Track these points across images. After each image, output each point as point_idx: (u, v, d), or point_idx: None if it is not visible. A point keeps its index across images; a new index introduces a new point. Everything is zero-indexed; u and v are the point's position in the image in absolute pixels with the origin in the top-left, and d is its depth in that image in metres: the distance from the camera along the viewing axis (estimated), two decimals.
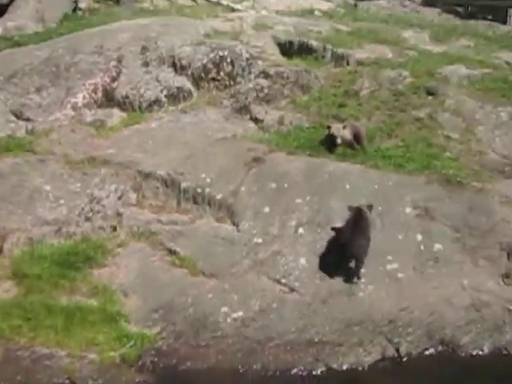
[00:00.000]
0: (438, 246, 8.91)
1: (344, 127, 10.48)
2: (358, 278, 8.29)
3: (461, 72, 13.35)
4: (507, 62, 14.89)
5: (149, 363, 7.10)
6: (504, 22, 34.16)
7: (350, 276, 8.35)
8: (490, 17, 37.36)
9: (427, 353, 7.53)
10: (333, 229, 8.89)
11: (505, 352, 7.61)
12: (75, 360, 7.00)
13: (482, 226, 9.19)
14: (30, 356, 7.03)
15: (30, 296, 7.84)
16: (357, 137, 10.53)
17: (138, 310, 7.84)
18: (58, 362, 6.99)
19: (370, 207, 8.63)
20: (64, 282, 8.08)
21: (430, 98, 12.22)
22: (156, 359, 7.14)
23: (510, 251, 9.00)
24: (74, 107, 11.94)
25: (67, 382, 6.80)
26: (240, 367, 7.13)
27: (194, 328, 7.57)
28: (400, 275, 8.47)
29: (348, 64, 13.70)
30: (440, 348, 7.59)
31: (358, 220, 8.35)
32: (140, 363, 7.08)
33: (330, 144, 10.48)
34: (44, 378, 6.81)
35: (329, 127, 10.45)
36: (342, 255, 8.41)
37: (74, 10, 18.63)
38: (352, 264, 8.32)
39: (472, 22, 24.51)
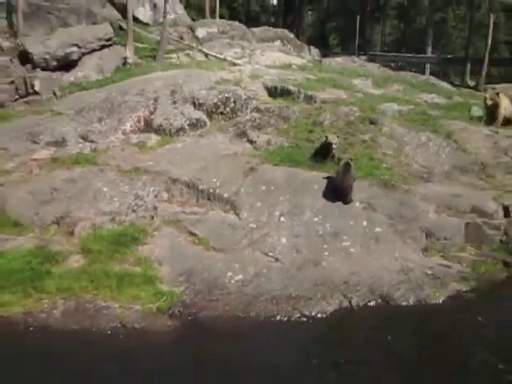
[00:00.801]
0: (377, 229, 8.93)
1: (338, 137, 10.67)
2: (351, 201, 9.23)
3: (393, 108, 13.41)
4: (425, 101, 15.06)
5: (177, 312, 7.10)
6: (423, 73, 34.41)
7: (346, 203, 9.18)
8: (413, 69, 37.60)
9: (370, 304, 7.53)
10: (329, 177, 9.72)
11: (423, 303, 7.60)
12: (125, 310, 7.03)
13: (408, 215, 9.22)
14: (94, 307, 7.06)
15: (93, 265, 7.85)
16: None
17: (168, 274, 7.83)
18: (113, 311, 7.01)
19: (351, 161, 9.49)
20: (117, 255, 8.10)
21: (372, 126, 12.22)
22: (182, 309, 7.15)
23: (428, 233, 9.04)
24: (124, 132, 11.96)
25: (119, 325, 6.79)
26: (240, 314, 7.13)
27: (208, 287, 7.57)
28: (351, 250, 8.49)
29: (315, 102, 13.64)
30: (379, 300, 7.58)
31: (348, 168, 9.09)
32: (170, 312, 7.09)
33: (326, 151, 10.51)
34: (103, 322, 6.81)
35: (326, 137, 10.44)
36: (338, 191, 9.21)
37: (124, 63, 18.56)
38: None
39: (401, 73, 24.60)
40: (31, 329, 6.65)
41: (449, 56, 48.73)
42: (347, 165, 9.22)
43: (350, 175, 9.21)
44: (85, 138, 11.69)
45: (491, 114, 12.83)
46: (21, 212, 9.10)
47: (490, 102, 12.66)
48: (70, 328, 6.70)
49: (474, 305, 7.66)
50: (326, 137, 10.46)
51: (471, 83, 35.31)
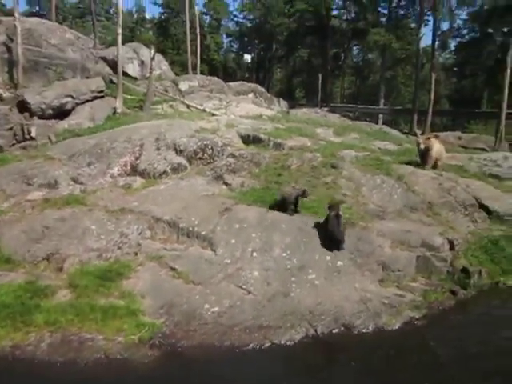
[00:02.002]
0: (339, 263, 8.86)
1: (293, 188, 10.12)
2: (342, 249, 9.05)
3: (351, 154, 13.57)
4: (379, 148, 15.31)
5: (157, 342, 6.87)
6: (376, 122, 35.34)
7: (339, 249, 9.01)
8: (368, 119, 38.62)
9: (334, 331, 7.42)
10: (318, 223, 9.49)
11: (381, 330, 7.55)
12: (108, 342, 6.75)
13: (366, 250, 9.21)
14: (79, 339, 6.76)
15: (79, 299, 7.54)
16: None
17: (150, 306, 7.57)
18: (97, 343, 6.73)
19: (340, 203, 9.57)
20: (103, 289, 7.80)
21: (333, 170, 12.33)
22: (162, 340, 6.92)
23: (383, 265, 9.03)
24: (112, 176, 11.76)
25: (103, 356, 6.52)
26: (216, 343, 6.94)
27: (186, 318, 7.35)
28: (316, 282, 8.38)
29: (283, 149, 13.72)
30: (342, 328, 7.48)
31: (339, 220, 8.98)
32: (151, 342, 6.85)
33: (283, 205, 10.00)
34: (88, 353, 6.54)
35: (283, 193, 9.97)
36: (330, 238, 9.04)
37: (114, 113, 18.53)
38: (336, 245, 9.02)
39: (358, 123, 25.12)
40: (18, 361, 6.32)
41: (398, 107, 50.40)
42: (338, 216, 9.01)
43: (342, 225, 9.10)
44: (75, 181, 11.46)
45: (423, 157, 12.94)
46: (13, 249, 8.78)
47: (422, 147, 12.68)
48: (56, 360, 6.39)
49: (425, 330, 7.66)
50: (283, 193, 10.04)
51: (418, 131, 36.36)
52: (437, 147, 12.93)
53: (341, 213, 9.08)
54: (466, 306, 8.56)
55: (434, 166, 13.01)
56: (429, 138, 12.94)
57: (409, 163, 13.21)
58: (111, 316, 7.20)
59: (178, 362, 6.63)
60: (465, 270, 9.20)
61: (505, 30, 38.14)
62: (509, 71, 25.64)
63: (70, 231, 9.19)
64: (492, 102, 52.15)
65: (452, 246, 9.69)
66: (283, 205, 9.92)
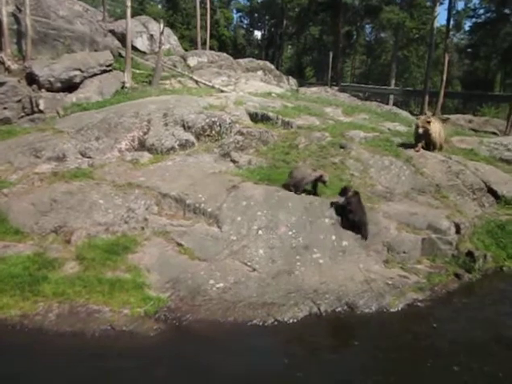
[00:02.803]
0: (344, 243, 8.89)
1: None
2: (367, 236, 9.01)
3: (360, 135, 13.44)
4: (389, 129, 15.10)
5: (162, 316, 6.93)
6: (387, 103, 34.92)
7: (365, 237, 8.99)
8: (378, 99, 38.15)
9: (337, 310, 7.46)
10: (335, 203, 9.47)
11: (384, 310, 7.58)
12: (115, 314, 6.82)
13: (372, 230, 9.20)
14: (86, 311, 6.84)
15: (87, 271, 7.62)
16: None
17: (156, 281, 7.64)
18: (104, 314, 6.80)
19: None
20: (109, 263, 7.86)
21: (341, 150, 12.24)
22: (167, 313, 6.98)
23: (389, 246, 9.04)
24: (119, 150, 11.73)
25: (109, 327, 6.60)
26: (220, 319, 7.00)
27: (191, 293, 7.41)
28: (321, 261, 8.42)
29: (292, 127, 13.61)
30: (345, 308, 7.52)
31: (359, 199, 9.08)
32: (157, 316, 6.92)
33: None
34: (94, 325, 6.61)
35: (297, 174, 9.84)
36: (352, 221, 9.07)
37: (122, 87, 18.44)
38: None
39: (367, 103, 24.81)
40: (26, 330, 6.43)
41: (410, 88, 49.73)
42: (357, 194, 9.15)
43: (362, 205, 9.14)
44: (83, 155, 11.46)
45: (425, 140, 12.48)
46: (22, 221, 8.86)
47: (421, 130, 12.17)
48: (64, 330, 6.49)
49: (428, 312, 7.69)
50: (297, 174, 9.86)
51: (429, 113, 35.95)
52: (437, 129, 12.50)
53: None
54: (470, 289, 8.57)
55: (440, 148, 12.86)
56: (428, 121, 12.31)
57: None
58: (118, 289, 7.28)
59: (183, 336, 6.70)
60: (470, 254, 9.19)
61: None
62: None
63: (77, 205, 9.25)
64: (505, 86, 51.32)
65: (458, 230, 9.64)
66: (296, 187, 9.79)
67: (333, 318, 7.30)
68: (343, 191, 9.29)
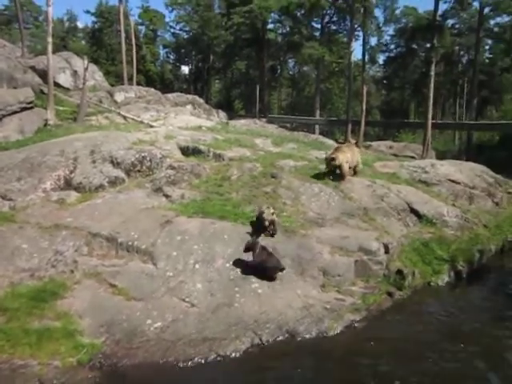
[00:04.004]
0: None
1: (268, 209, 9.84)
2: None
3: (290, 164, 13.85)
4: (316, 157, 15.64)
5: (97, 363, 6.55)
6: (313, 133, 36.44)
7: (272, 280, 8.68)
8: (305, 129, 39.70)
9: (279, 339, 7.45)
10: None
11: (324, 334, 7.69)
12: (44, 367, 6.33)
13: (306, 256, 9.38)
14: (10, 367, 6.29)
15: (10, 323, 7.00)
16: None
17: (89, 326, 7.21)
18: (31, 369, 6.29)
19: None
20: (36, 311, 7.30)
21: (273, 179, 12.48)
22: (102, 360, 6.60)
23: (324, 271, 9.21)
24: (44, 191, 11.09)
25: (38, 382, 6.09)
26: (160, 360, 6.73)
27: (127, 336, 7.08)
28: (260, 291, 8.40)
29: (223, 160, 13.74)
30: (286, 335, 7.53)
31: (264, 247, 8.80)
32: (91, 364, 6.52)
33: (261, 226, 9.79)
34: (20, 381, 6.08)
35: (261, 212, 9.73)
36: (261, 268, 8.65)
37: (45, 125, 17.74)
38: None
39: (295, 133, 25.70)
40: None
41: (333, 118, 52.36)
42: (263, 247, 8.82)
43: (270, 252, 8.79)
44: (3, 197, 10.69)
45: (337, 171, 12.87)
46: None
47: (326, 168, 12.95)
48: None
49: (365, 332, 7.90)
50: (261, 212, 9.78)
51: (352, 141, 37.94)
52: (345, 158, 12.76)
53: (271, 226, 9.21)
54: (402, 305, 8.95)
55: (354, 173, 13.43)
56: (332, 158, 12.69)
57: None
58: (46, 339, 6.77)
59: (120, 383, 6.39)
60: (399, 272, 9.64)
61: (427, 45, 40.82)
62: (432, 85, 27.45)
63: None
64: (419, 113, 55.62)
65: (387, 250, 10.11)
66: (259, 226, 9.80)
67: (275, 347, 7.27)
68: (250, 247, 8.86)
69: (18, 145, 14.50)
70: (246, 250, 8.81)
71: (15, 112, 17.29)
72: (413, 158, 25.78)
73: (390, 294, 9.18)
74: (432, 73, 27.07)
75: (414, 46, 51.51)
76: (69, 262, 8.58)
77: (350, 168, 13.12)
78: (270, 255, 8.73)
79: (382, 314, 8.56)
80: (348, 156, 12.92)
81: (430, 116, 27.77)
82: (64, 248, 8.85)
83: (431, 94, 27.78)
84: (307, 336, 7.58)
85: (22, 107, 17.61)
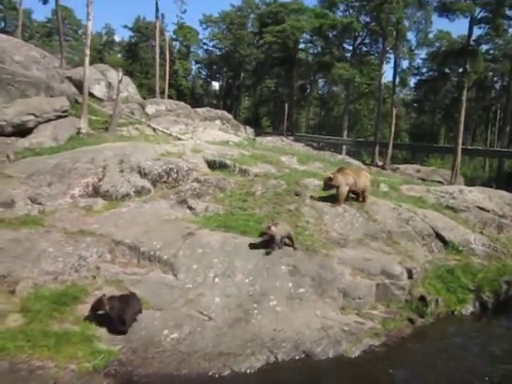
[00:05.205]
0: (301, 290, 8.88)
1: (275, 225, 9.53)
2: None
3: (315, 183, 13.70)
4: None
5: (112, 370, 6.59)
6: (340, 153, 36.30)
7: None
8: (332, 149, 39.62)
9: (295, 358, 7.36)
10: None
11: (342, 357, 7.55)
12: (60, 370, 6.41)
13: (327, 277, 9.25)
14: (28, 367, 6.39)
15: (31, 324, 7.14)
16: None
17: (107, 333, 7.29)
18: (48, 371, 6.37)
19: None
20: (57, 314, 7.45)
21: (296, 197, 12.42)
22: (118, 367, 6.65)
23: (344, 292, 9.08)
24: (72, 196, 11.40)
25: None
26: (174, 372, 6.73)
27: (144, 345, 7.11)
28: (278, 308, 8.34)
29: (248, 175, 13.75)
30: (303, 355, 7.43)
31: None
32: (106, 370, 6.56)
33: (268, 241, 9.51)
34: (36, 383, 6.16)
35: (268, 228, 9.39)
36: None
37: (78, 133, 18.23)
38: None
39: (321, 152, 25.61)
40: None
41: (361, 139, 52.11)
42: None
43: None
44: (33, 201, 11.04)
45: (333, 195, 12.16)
46: None
47: (324, 186, 12.10)
48: None
49: (384, 358, 7.71)
50: (268, 227, 9.46)
51: (379, 163, 37.66)
52: (344, 181, 11.86)
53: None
54: (423, 333, 8.72)
55: (362, 199, 12.43)
56: (330, 178, 11.84)
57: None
58: (64, 342, 6.86)
59: None
60: (422, 299, 9.41)
61: (460, 70, 40.45)
62: (463, 110, 27.05)
63: (24, 253, 8.81)
64: (449, 138, 54.80)
65: (410, 275, 9.90)
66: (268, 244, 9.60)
67: (291, 366, 7.18)
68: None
69: (51, 151, 14.97)
70: None
71: (50, 120, 17.88)
72: (440, 183, 25.32)
73: (411, 321, 8.96)
74: (464, 98, 26.74)
75: (447, 70, 51.06)
76: (91, 267, 8.73)
77: (354, 192, 12.27)
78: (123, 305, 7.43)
79: (402, 341, 8.35)
80: (350, 179, 11.95)
81: (460, 141, 27.34)
82: (88, 254, 9.02)
83: (462, 119, 27.39)
84: (324, 357, 7.46)
85: (57, 115, 18.20)
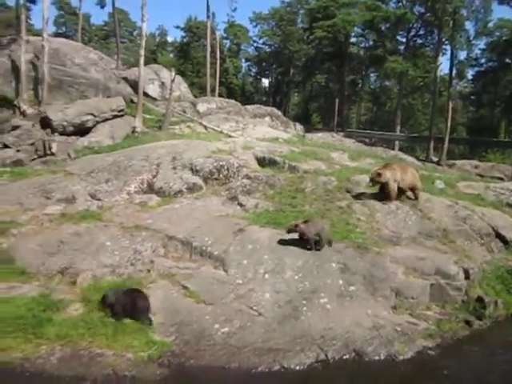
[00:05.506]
0: (352, 288, 8.76)
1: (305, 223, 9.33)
2: None
3: (366, 179, 13.37)
4: None
5: (166, 361, 6.81)
6: (392, 149, 35.30)
7: None
8: (384, 145, 38.60)
9: (344, 357, 7.26)
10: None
11: (394, 358, 7.37)
12: (118, 358, 6.71)
13: (379, 275, 9.08)
14: (89, 354, 6.74)
15: (91, 314, 7.52)
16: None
17: (161, 324, 7.53)
18: (107, 358, 6.69)
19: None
20: None
21: (348, 194, 12.29)
22: (171, 358, 6.86)
23: (397, 292, 8.87)
24: (128, 193, 11.90)
25: (111, 372, 6.48)
26: (224, 365, 6.85)
27: (196, 338, 7.29)
28: (328, 306, 8.26)
29: (298, 172, 13.76)
30: (353, 354, 7.33)
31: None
32: (160, 360, 6.79)
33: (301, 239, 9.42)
34: (96, 369, 6.51)
35: (296, 225, 9.23)
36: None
37: (133, 132, 18.94)
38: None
39: (373, 148, 25.08)
40: (27, 374, 6.32)
41: (415, 134, 50.40)
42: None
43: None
44: (93, 197, 11.63)
45: (381, 192, 11.81)
46: (28, 262, 8.88)
47: (371, 184, 11.79)
48: (65, 374, 6.38)
49: (438, 360, 7.47)
50: (296, 225, 9.29)
51: (434, 159, 36.27)
52: (393, 177, 11.51)
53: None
54: (481, 336, 8.35)
55: (415, 197, 12.07)
56: (378, 173, 11.48)
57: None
58: (121, 332, 7.18)
59: (186, 382, 6.60)
60: (480, 300, 9.01)
61: None
62: None
63: (84, 246, 9.30)
64: (510, 132, 51.84)
65: (467, 275, 9.51)
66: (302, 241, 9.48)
67: (341, 365, 7.11)
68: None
69: (108, 149, 15.68)
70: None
71: (107, 119, 18.71)
72: (501, 179, 24.00)
73: (467, 323, 8.60)
74: None
75: (508, 60, 48.28)
76: (146, 261, 9.05)
77: (402, 190, 11.84)
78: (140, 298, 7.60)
79: (457, 343, 8.03)
80: (398, 175, 11.56)
81: None
82: (143, 248, 9.35)
83: None
84: (375, 358, 7.32)
85: (114, 115, 19.01)
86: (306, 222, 9.45)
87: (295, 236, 9.43)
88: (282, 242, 9.47)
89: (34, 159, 15.65)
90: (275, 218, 10.71)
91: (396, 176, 11.59)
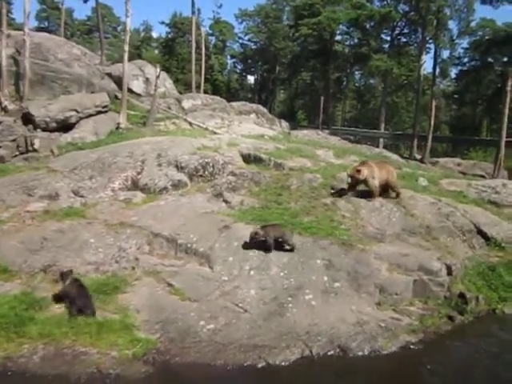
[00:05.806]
0: (336, 284, 8.82)
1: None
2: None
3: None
4: None
5: (151, 358, 6.78)
6: (377, 146, 35.63)
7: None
8: (368, 142, 38.92)
9: (329, 353, 7.31)
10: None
11: (377, 353, 7.45)
12: (102, 356, 6.66)
13: (363, 272, 9.15)
14: (72, 353, 6.68)
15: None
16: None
17: (145, 322, 7.50)
18: (91, 357, 6.64)
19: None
20: (98, 303, 7.68)
21: (333, 191, 12.37)
22: (156, 356, 6.83)
23: (381, 288, 8.94)
24: (113, 190, 11.78)
25: (96, 370, 6.43)
26: (210, 362, 6.85)
27: (181, 335, 7.27)
28: (313, 302, 8.31)
29: (284, 169, 13.78)
30: (338, 350, 7.38)
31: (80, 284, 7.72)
32: (145, 358, 6.76)
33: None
34: (80, 367, 6.45)
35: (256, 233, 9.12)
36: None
37: (117, 128, 18.72)
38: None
39: (358, 146, 25.25)
40: (9, 373, 6.24)
41: (399, 132, 50.88)
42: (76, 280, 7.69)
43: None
44: (76, 193, 11.49)
45: (353, 189, 12.00)
46: (10, 259, 8.71)
47: (349, 180, 11.77)
48: (48, 373, 6.31)
49: (421, 355, 7.57)
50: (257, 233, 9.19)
51: (418, 156, 36.70)
52: (370, 172, 11.65)
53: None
54: (463, 331, 8.48)
55: (396, 195, 12.25)
56: (357, 170, 11.59)
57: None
58: (106, 330, 7.12)
59: (171, 380, 6.58)
60: (462, 296, 9.15)
61: (504, 59, 38.74)
62: (508, 100, 25.92)
63: (68, 243, 9.18)
64: (492, 131, 52.72)
65: (450, 271, 9.64)
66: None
67: (325, 361, 7.16)
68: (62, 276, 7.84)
69: (92, 145, 15.47)
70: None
71: (91, 115, 18.44)
72: (483, 177, 24.42)
73: (450, 318, 8.72)
74: (508, 88, 25.48)
75: (490, 59, 49.07)
76: (131, 258, 8.99)
77: (384, 187, 12.02)
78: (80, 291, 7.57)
79: (440, 338, 8.14)
80: (375, 171, 11.73)
81: (504, 133, 26.12)
82: (127, 245, 9.28)
83: (506, 111, 26.14)
84: (359, 353, 7.38)
85: (98, 111, 18.75)
86: (264, 227, 9.38)
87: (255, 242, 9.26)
88: (247, 247, 9.32)
89: (15, 156, 15.35)
90: (261, 214, 10.72)
91: (374, 173, 11.77)
